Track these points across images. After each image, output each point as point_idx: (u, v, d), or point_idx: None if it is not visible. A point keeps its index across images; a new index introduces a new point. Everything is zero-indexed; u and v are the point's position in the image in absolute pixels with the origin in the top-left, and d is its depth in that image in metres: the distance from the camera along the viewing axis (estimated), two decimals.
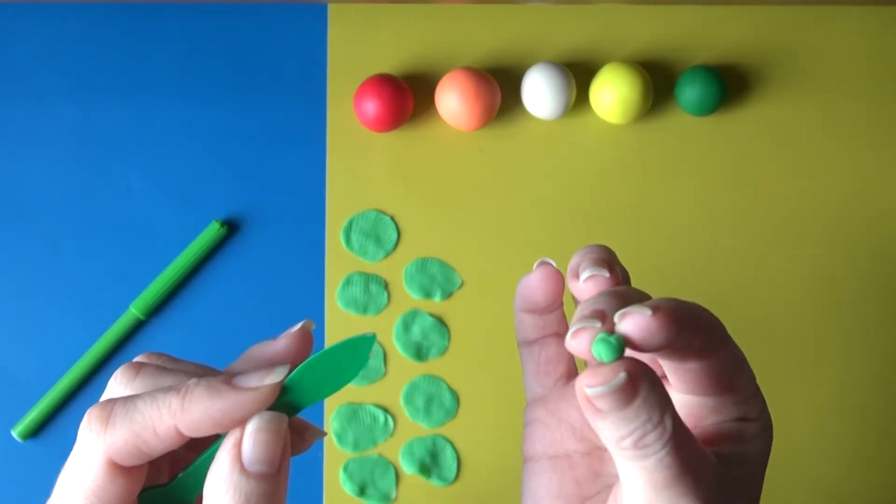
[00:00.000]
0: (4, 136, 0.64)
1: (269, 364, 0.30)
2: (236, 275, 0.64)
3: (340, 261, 0.64)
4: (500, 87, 0.63)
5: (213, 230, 0.63)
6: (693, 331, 0.30)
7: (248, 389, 0.28)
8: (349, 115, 0.64)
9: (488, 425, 0.63)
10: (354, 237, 0.64)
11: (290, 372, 0.29)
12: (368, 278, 0.64)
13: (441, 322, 0.64)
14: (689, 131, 0.65)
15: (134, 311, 0.62)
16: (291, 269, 0.64)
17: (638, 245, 0.64)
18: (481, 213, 0.64)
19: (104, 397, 0.31)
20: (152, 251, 0.63)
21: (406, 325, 0.63)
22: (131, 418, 0.28)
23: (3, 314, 0.63)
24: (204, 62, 0.65)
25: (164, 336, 0.63)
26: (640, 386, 0.28)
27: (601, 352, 0.28)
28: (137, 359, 0.32)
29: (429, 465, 0.63)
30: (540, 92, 0.62)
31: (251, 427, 0.28)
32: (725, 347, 0.32)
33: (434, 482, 0.63)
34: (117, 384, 0.31)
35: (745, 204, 0.65)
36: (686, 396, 0.33)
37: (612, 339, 0.28)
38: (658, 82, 0.64)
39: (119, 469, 0.29)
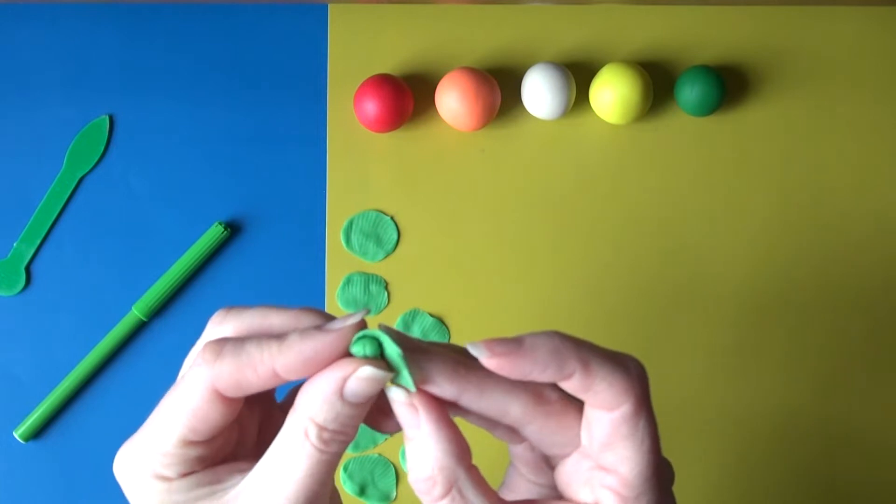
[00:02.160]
0: (4, 136, 0.64)
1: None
2: (237, 275, 0.64)
3: (340, 261, 0.64)
4: (500, 87, 0.63)
5: (215, 232, 0.63)
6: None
7: (333, 331, 0.32)
8: (349, 115, 0.64)
9: None
10: (354, 237, 0.64)
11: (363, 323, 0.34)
12: (368, 278, 0.64)
13: (441, 322, 0.64)
14: (689, 131, 0.65)
15: (136, 312, 0.63)
16: (292, 269, 0.64)
17: (638, 245, 0.64)
18: (481, 213, 0.64)
19: (202, 339, 0.35)
20: (154, 252, 0.63)
21: (406, 325, 0.64)
22: (238, 355, 0.32)
23: (5, 315, 0.64)
24: (204, 62, 0.65)
25: (167, 337, 0.63)
26: (422, 424, 0.32)
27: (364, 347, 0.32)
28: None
29: None
30: (540, 92, 0.62)
31: (361, 372, 0.32)
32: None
33: None
34: (212, 325, 0.35)
35: (745, 204, 0.65)
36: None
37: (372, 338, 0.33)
38: (658, 82, 0.64)
39: (219, 397, 0.33)
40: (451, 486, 0.32)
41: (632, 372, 0.33)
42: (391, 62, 0.65)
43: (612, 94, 0.62)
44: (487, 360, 0.32)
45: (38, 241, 0.63)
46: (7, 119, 0.64)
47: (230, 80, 0.65)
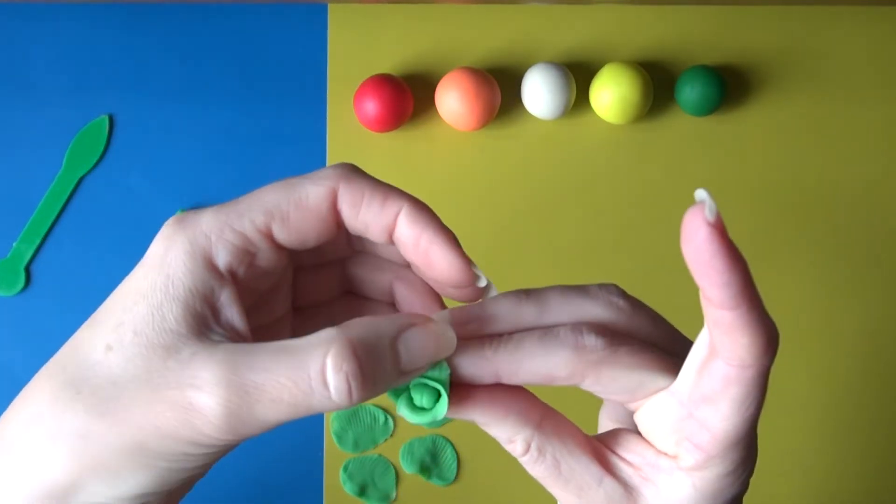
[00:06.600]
0: (4, 136, 0.64)
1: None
2: None
3: None
4: (500, 87, 0.63)
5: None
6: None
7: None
8: (349, 115, 0.64)
9: None
10: None
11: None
12: None
13: None
14: (689, 131, 0.65)
15: None
16: None
17: (637, 245, 0.64)
18: (481, 213, 0.64)
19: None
20: None
21: None
22: (381, 187, 0.33)
23: (5, 315, 0.63)
24: (204, 62, 0.65)
25: None
26: (471, 417, 0.32)
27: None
28: None
29: (429, 465, 0.63)
30: (540, 92, 0.62)
31: (439, 328, 0.32)
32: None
33: (434, 482, 0.63)
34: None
35: (745, 204, 0.65)
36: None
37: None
38: (658, 82, 0.64)
39: (332, 213, 0.32)
40: (527, 446, 0.33)
41: (774, 340, 0.30)
42: (391, 62, 0.65)
43: (612, 94, 0.62)
44: (710, 222, 0.27)
45: (38, 241, 0.63)
46: (7, 119, 0.64)
47: (230, 80, 0.65)
